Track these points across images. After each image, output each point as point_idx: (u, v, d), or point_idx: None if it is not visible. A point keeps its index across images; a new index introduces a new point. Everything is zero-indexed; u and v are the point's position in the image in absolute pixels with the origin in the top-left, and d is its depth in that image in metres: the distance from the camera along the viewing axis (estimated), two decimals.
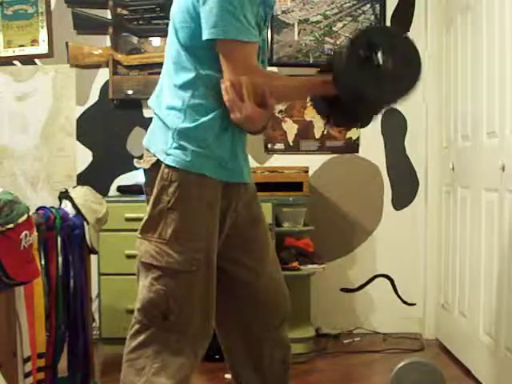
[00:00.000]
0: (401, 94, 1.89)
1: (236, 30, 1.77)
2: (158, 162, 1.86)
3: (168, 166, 1.84)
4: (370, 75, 1.82)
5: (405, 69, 1.86)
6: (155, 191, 1.86)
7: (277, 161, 4.00)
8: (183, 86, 1.86)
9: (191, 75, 1.86)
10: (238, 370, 2.15)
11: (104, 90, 4.03)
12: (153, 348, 1.87)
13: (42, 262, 2.58)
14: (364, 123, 2.10)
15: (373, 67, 1.81)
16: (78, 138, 4.07)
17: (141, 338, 1.89)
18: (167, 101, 1.89)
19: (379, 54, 1.81)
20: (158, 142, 1.89)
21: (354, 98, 1.85)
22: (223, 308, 2.05)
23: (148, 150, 1.92)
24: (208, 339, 1.94)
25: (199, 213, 1.86)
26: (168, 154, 1.84)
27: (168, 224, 1.85)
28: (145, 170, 1.94)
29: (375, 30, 1.88)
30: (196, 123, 1.84)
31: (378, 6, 4.00)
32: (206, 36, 1.78)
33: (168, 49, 1.95)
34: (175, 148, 1.84)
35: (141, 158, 2.00)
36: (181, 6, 1.87)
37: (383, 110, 1.97)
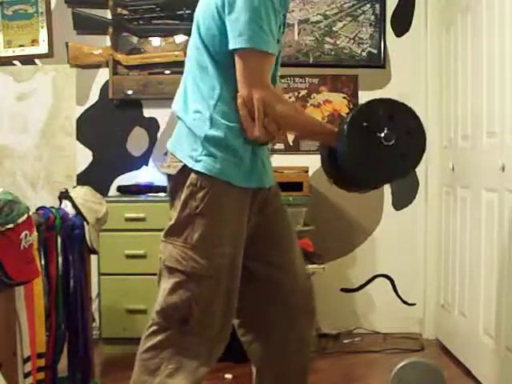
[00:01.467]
0: (405, 171, 1.93)
1: (260, 39, 1.77)
2: (185, 168, 1.86)
3: (197, 172, 1.84)
4: (371, 157, 1.85)
5: (408, 146, 1.87)
6: (183, 196, 1.86)
7: (277, 161, 3.96)
8: (209, 92, 1.86)
9: (215, 82, 1.86)
10: (260, 368, 2.13)
11: (104, 89, 4.03)
12: (169, 350, 1.88)
13: (42, 262, 2.58)
14: (365, 191, 2.12)
15: (374, 147, 1.83)
16: (78, 138, 4.07)
17: (157, 338, 1.89)
18: (192, 105, 1.88)
19: (382, 134, 1.82)
20: (184, 147, 1.88)
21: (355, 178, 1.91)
22: (246, 305, 2.05)
23: (173, 155, 1.91)
24: (225, 342, 1.94)
25: (227, 219, 1.87)
26: (197, 161, 1.84)
27: (195, 229, 1.85)
28: (169, 176, 1.94)
29: (376, 106, 1.89)
30: (225, 131, 1.84)
31: (378, 6, 4.00)
32: (231, 45, 1.79)
33: (191, 51, 1.93)
34: (205, 155, 1.84)
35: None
36: (206, 12, 1.86)
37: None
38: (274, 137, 1.89)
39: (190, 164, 1.85)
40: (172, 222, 1.89)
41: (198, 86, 1.88)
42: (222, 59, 1.84)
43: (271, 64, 1.84)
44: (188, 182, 1.85)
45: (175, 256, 1.87)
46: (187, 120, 1.89)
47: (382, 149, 1.83)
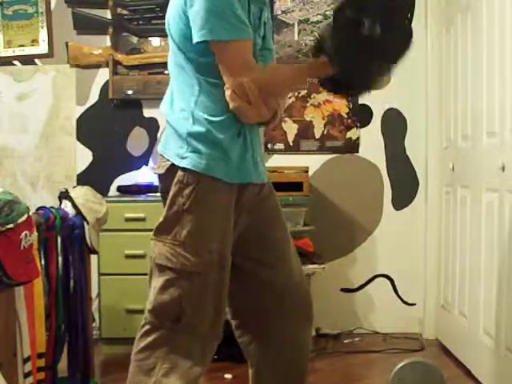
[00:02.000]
0: (389, 62, 1.85)
1: (223, 30, 1.78)
2: (173, 167, 1.88)
3: (183, 169, 1.86)
4: (355, 47, 1.78)
5: (392, 37, 1.80)
6: (171, 194, 1.87)
7: (277, 161, 3.99)
8: (189, 90, 1.88)
9: (194, 80, 1.88)
10: (258, 370, 2.12)
11: (104, 90, 4.03)
12: (163, 349, 1.88)
13: (42, 262, 2.58)
14: (362, 92, 2.06)
15: (359, 37, 1.77)
16: (78, 138, 4.07)
17: (151, 338, 1.89)
18: (177, 105, 1.91)
19: (366, 23, 1.77)
20: (172, 147, 1.90)
21: (345, 70, 1.83)
22: (242, 306, 2.06)
23: (162, 156, 1.93)
24: (218, 340, 1.94)
25: (214, 215, 1.87)
26: (183, 158, 1.86)
27: (183, 226, 1.86)
28: (159, 176, 1.95)
29: None
30: (207, 126, 1.85)
31: None
32: (195, 39, 1.80)
33: (170, 53, 1.96)
34: (191, 151, 1.85)
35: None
36: (174, 13, 1.89)
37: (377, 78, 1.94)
38: (276, 109, 1.90)
39: (177, 162, 1.87)
40: (161, 219, 1.90)
41: (180, 86, 1.91)
42: (195, 56, 1.86)
43: (246, 48, 1.83)
44: (175, 180, 1.86)
45: (165, 253, 1.87)
46: (172, 120, 1.92)
47: (368, 37, 1.77)
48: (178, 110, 1.89)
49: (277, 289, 2.04)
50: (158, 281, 1.89)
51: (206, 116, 1.85)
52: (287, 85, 1.98)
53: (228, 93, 1.82)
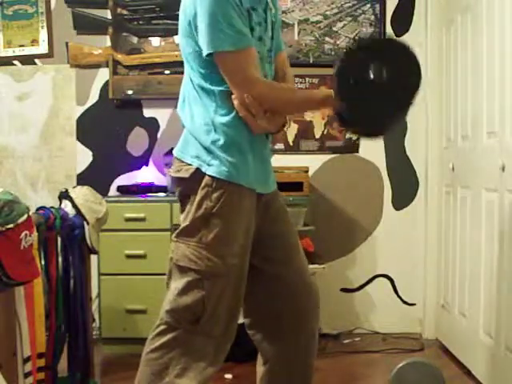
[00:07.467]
0: (402, 107, 1.88)
1: (223, 41, 1.82)
2: (199, 171, 1.90)
3: (211, 175, 1.88)
4: (363, 97, 1.82)
5: (401, 82, 1.85)
6: (197, 197, 1.89)
7: (277, 161, 3.94)
8: (206, 102, 1.92)
9: (209, 93, 1.91)
10: (272, 365, 2.14)
11: (104, 90, 4.03)
12: (177, 349, 1.89)
13: (42, 262, 2.58)
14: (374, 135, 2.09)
15: (366, 88, 1.81)
16: (78, 138, 4.07)
17: (165, 338, 1.90)
18: (196, 113, 1.93)
19: (371, 73, 1.80)
20: (193, 152, 1.92)
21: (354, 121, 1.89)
22: (255, 305, 2.08)
23: (181, 160, 1.95)
24: (230, 342, 1.96)
25: (240, 219, 1.90)
26: (209, 165, 1.89)
27: (210, 229, 1.88)
28: (180, 180, 1.96)
29: (366, 47, 1.87)
30: (229, 134, 1.89)
31: (377, 6, 4.00)
32: (204, 54, 1.86)
33: (185, 68, 1.99)
34: (214, 159, 1.89)
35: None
36: (183, 37, 1.94)
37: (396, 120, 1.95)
38: (282, 124, 1.95)
39: (203, 168, 1.89)
40: (187, 222, 1.91)
41: (196, 97, 1.94)
42: (207, 71, 1.90)
43: (250, 58, 1.87)
44: (203, 184, 1.89)
45: (189, 255, 1.89)
46: (193, 128, 1.94)
47: (376, 89, 1.81)
48: (199, 119, 1.92)
49: (288, 287, 2.06)
50: (179, 282, 1.90)
51: (226, 126, 1.89)
52: (289, 109, 2.04)
53: (235, 103, 1.88)
